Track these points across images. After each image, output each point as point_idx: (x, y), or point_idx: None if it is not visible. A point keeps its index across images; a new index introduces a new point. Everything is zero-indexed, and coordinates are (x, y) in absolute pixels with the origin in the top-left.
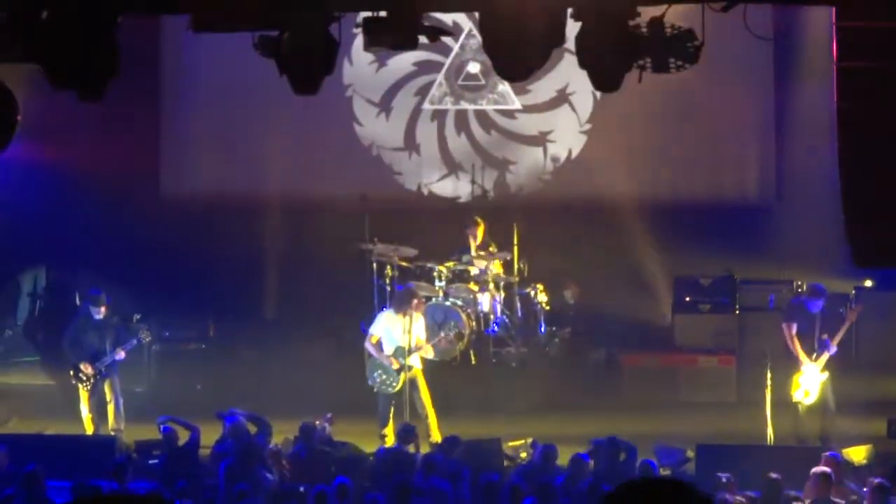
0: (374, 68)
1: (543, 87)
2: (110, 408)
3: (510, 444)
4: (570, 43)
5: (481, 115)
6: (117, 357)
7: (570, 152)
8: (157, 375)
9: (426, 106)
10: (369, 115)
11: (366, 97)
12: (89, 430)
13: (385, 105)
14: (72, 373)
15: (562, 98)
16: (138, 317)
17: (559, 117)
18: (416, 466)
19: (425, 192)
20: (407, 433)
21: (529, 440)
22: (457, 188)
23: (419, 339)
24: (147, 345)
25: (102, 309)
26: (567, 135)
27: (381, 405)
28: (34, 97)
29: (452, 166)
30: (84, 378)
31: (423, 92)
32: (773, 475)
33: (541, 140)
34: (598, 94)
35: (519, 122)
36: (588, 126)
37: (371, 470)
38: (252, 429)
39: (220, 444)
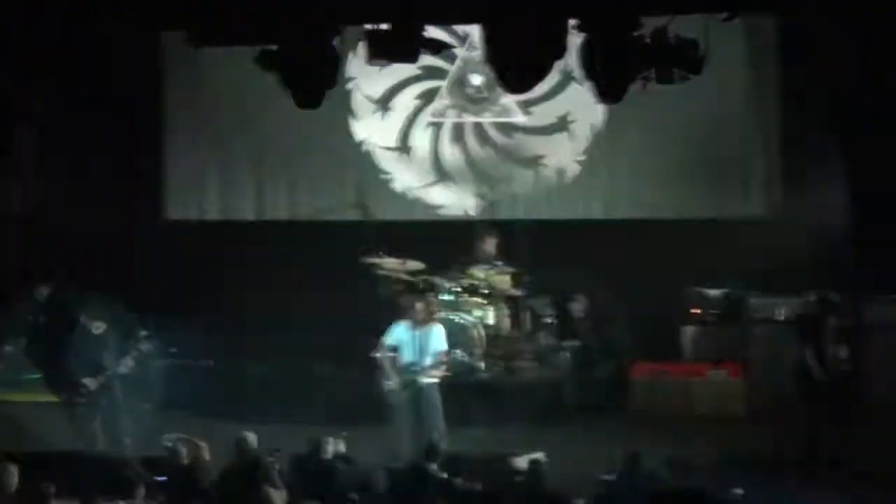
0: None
1: (545, 111)
2: (114, 424)
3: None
4: (577, 71)
5: (478, 129)
6: (117, 374)
7: (562, 177)
8: (163, 392)
9: (428, 118)
10: (367, 111)
11: (365, 93)
12: (95, 447)
13: (384, 103)
14: (73, 387)
15: (561, 125)
16: (144, 334)
17: (556, 143)
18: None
19: (410, 196)
20: (432, 450)
21: (538, 454)
22: (443, 197)
23: (438, 354)
24: (153, 361)
25: (101, 323)
26: (562, 161)
27: (395, 420)
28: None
29: (441, 175)
30: (86, 393)
31: (424, 97)
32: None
33: (534, 162)
34: (599, 124)
35: (515, 141)
36: (584, 157)
37: (391, 486)
38: (191, 451)
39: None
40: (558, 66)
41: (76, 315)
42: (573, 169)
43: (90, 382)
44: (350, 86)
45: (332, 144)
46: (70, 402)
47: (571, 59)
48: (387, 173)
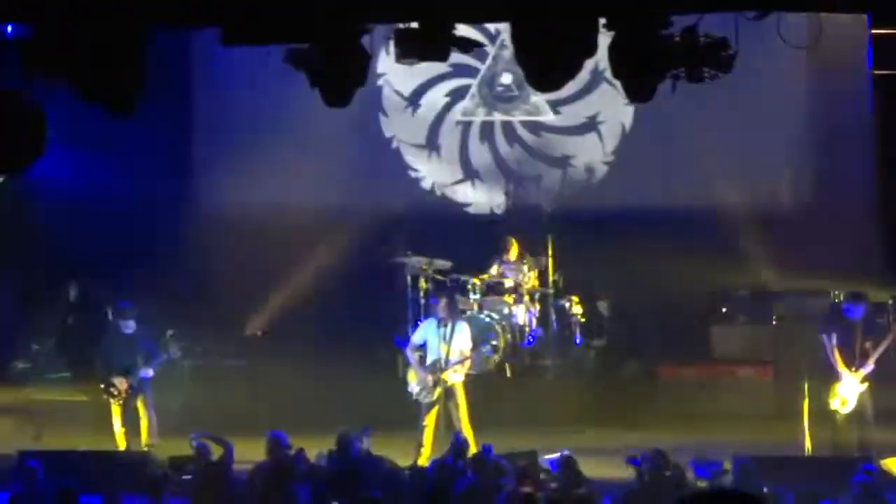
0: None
1: (574, 111)
2: (143, 423)
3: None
4: (608, 72)
5: (507, 128)
6: (147, 374)
7: (590, 177)
8: (191, 391)
9: (458, 117)
10: (397, 107)
11: (396, 89)
12: (122, 445)
13: (414, 100)
14: (103, 387)
15: (591, 125)
16: (171, 332)
17: (585, 142)
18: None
19: (439, 193)
20: (460, 446)
21: (565, 452)
22: (470, 195)
23: (462, 351)
24: (181, 360)
25: (132, 322)
26: (590, 160)
27: (421, 415)
28: (66, 110)
29: (470, 173)
30: (116, 393)
31: (453, 94)
32: (808, 486)
33: (563, 162)
34: (628, 125)
35: (544, 140)
36: (612, 157)
37: (420, 483)
38: (218, 450)
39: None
40: (589, 66)
41: (105, 313)
42: (601, 169)
43: (120, 382)
44: (381, 82)
45: (361, 140)
46: (99, 401)
47: (602, 59)
48: (415, 170)
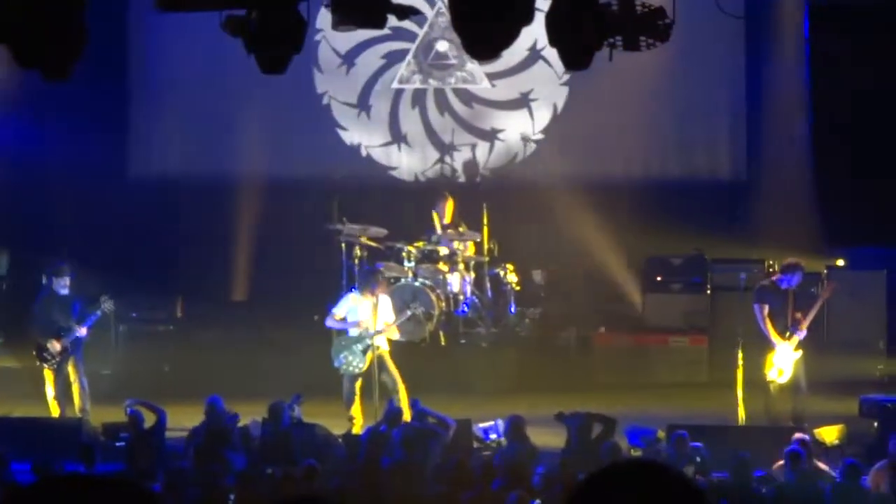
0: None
1: (508, 85)
2: (75, 388)
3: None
4: (546, 50)
5: (439, 96)
6: (81, 334)
7: (516, 155)
8: (124, 357)
9: (393, 84)
10: (332, 64)
11: (333, 46)
12: (55, 412)
13: (350, 59)
14: (35, 353)
15: (523, 101)
16: (105, 297)
17: (515, 118)
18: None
19: (363, 153)
20: (394, 415)
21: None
22: (396, 158)
23: (386, 322)
24: (114, 326)
25: (67, 280)
26: (519, 135)
27: (346, 386)
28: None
29: (398, 137)
30: (49, 357)
31: (390, 57)
32: (743, 455)
33: (491, 135)
34: (560, 106)
35: (475, 111)
36: (541, 136)
37: (354, 452)
38: (151, 417)
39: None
40: (526, 43)
41: (39, 278)
42: (530, 145)
43: (53, 345)
44: (318, 37)
45: (295, 98)
46: (33, 367)
47: (541, 37)
48: (343, 129)
